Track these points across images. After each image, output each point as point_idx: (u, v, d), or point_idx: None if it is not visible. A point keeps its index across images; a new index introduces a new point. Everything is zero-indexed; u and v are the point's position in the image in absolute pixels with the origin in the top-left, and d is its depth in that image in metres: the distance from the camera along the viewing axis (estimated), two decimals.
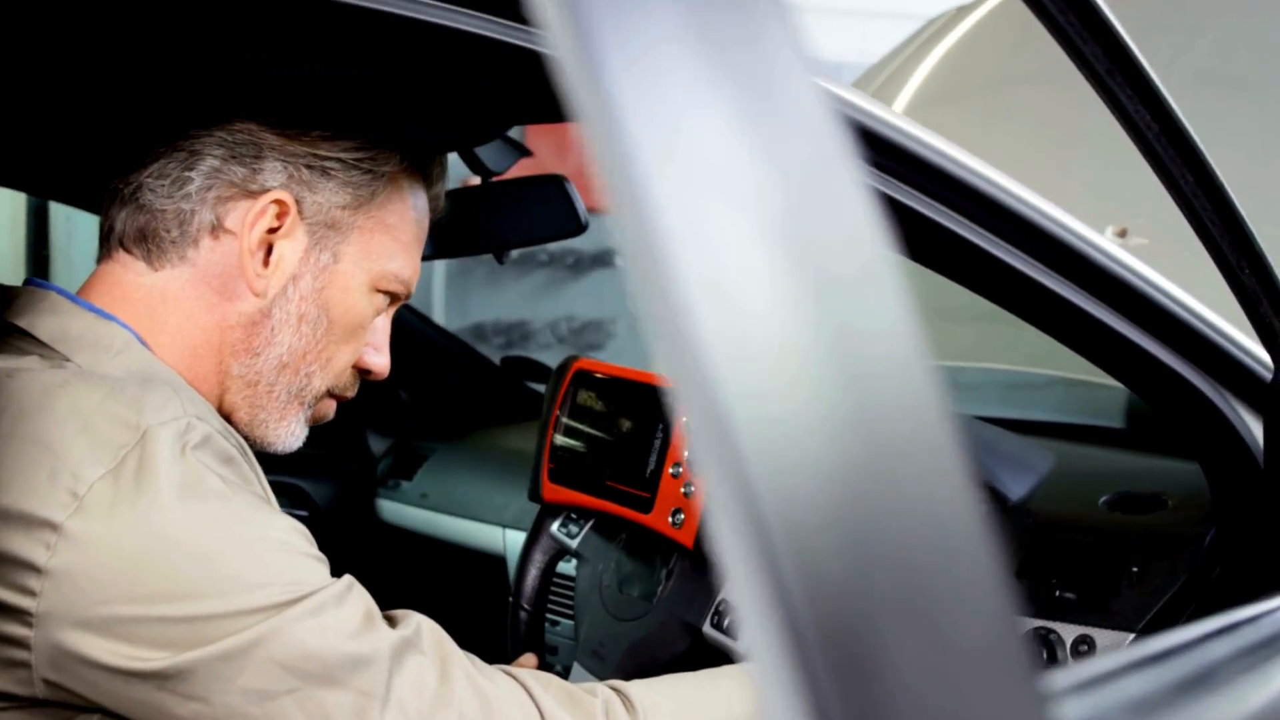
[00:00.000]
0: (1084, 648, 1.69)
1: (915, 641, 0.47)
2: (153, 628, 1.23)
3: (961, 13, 3.60)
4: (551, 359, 3.32)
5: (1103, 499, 1.89)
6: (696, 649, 1.79)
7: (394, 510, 3.01)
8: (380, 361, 1.59)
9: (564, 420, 1.96)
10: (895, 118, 1.44)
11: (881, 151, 1.41)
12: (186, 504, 1.26)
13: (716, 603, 1.77)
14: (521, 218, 2.15)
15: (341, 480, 3.04)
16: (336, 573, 1.34)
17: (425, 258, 1.64)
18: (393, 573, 2.75)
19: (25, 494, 1.26)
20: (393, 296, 1.57)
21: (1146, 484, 1.91)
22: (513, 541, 2.64)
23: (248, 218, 1.46)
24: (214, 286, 1.47)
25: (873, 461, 0.50)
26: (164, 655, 1.23)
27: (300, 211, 1.47)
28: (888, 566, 0.48)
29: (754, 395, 0.49)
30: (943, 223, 1.46)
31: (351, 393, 1.59)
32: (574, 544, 1.99)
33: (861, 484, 0.49)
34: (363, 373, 1.59)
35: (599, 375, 1.93)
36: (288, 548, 1.30)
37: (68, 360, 1.39)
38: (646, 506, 1.77)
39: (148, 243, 1.46)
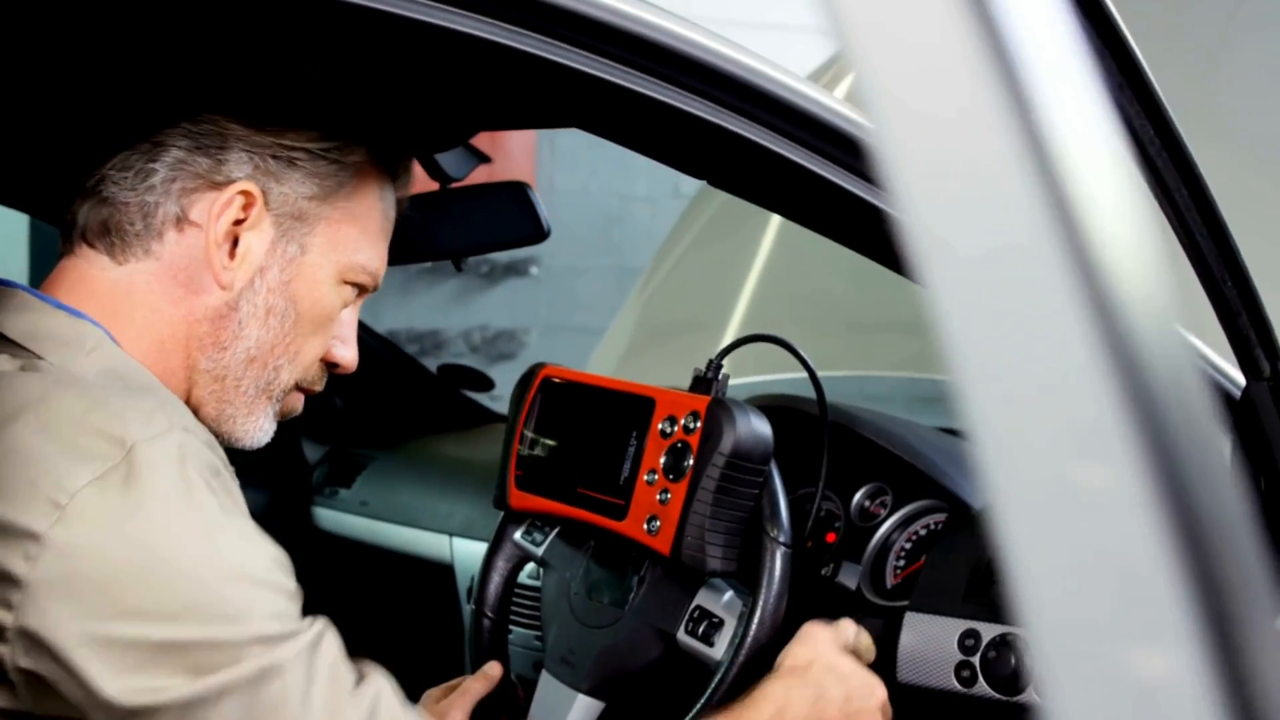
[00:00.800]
0: None
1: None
2: (136, 652, 1.20)
3: None
4: None
5: None
6: (670, 656, 1.79)
7: (332, 518, 2.99)
8: (348, 355, 1.57)
9: (531, 426, 1.95)
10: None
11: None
12: (175, 518, 1.23)
13: (691, 609, 1.78)
14: (482, 224, 2.15)
15: (275, 488, 3.01)
16: None
17: None
18: (335, 581, 2.73)
19: (4, 502, 1.22)
20: (360, 288, 1.55)
21: None
22: (460, 550, 2.63)
23: (213, 209, 1.43)
24: (179, 280, 1.44)
25: None
26: (150, 683, 1.20)
27: (266, 203, 1.45)
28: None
29: None
30: None
31: (319, 386, 1.57)
32: (539, 551, 1.98)
33: None
34: (330, 366, 1.57)
35: (568, 382, 1.92)
36: (270, 584, 1.28)
37: (39, 358, 1.36)
38: (620, 513, 1.77)
39: (111, 236, 1.43)
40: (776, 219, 3.35)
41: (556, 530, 1.97)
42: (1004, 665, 1.75)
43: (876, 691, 1.69)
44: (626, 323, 3.68)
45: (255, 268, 1.46)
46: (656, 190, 5.89)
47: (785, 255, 3.34)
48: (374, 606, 2.84)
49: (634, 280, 5.81)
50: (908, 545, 2.00)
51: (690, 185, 6.05)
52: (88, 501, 1.21)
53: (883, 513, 2.04)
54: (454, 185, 2.16)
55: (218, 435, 1.49)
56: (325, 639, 1.31)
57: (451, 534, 2.67)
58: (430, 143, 1.90)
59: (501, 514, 2.01)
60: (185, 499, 1.24)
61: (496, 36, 1.24)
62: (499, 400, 3.69)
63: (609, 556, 1.90)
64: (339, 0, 1.18)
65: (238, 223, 1.44)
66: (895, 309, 2.99)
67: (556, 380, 1.94)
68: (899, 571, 1.99)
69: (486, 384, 3.12)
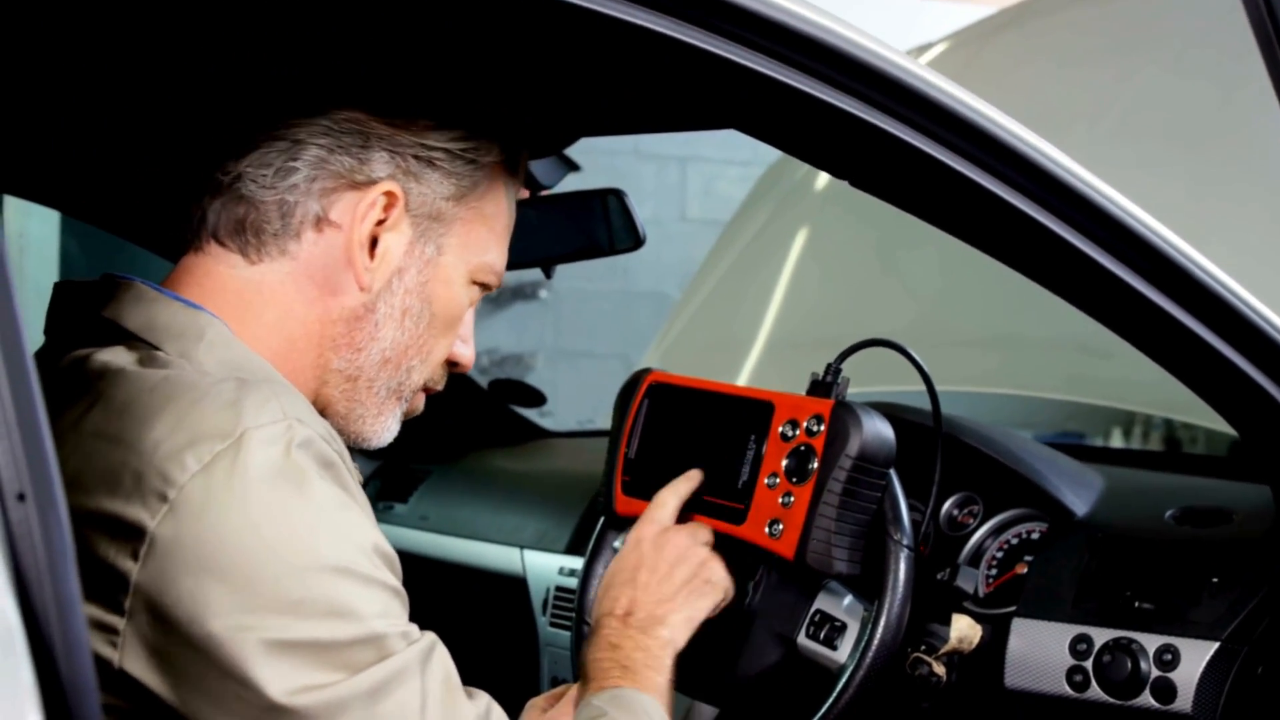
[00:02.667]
0: (1168, 657, 1.73)
1: None
2: (245, 652, 1.19)
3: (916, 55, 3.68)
4: None
5: (1168, 513, 1.93)
6: (789, 660, 1.79)
7: (389, 533, 2.92)
8: (469, 353, 1.58)
9: (639, 432, 1.93)
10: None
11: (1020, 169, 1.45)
12: (280, 509, 1.23)
13: (811, 613, 1.78)
14: (577, 231, 2.15)
15: None
16: None
17: None
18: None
19: (111, 496, 1.21)
20: (484, 287, 1.56)
21: (1206, 499, 1.96)
22: (533, 562, 2.62)
23: (357, 210, 1.42)
24: (316, 280, 1.43)
25: None
26: (263, 685, 1.19)
27: (406, 203, 1.45)
28: None
29: None
30: (1069, 239, 1.51)
31: (441, 386, 1.58)
32: None
33: None
34: (449, 365, 1.57)
35: (677, 386, 1.92)
36: (376, 581, 1.28)
37: (156, 349, 1.35)
38: (739, 518, 1.76)
39: (245, 235, 1.42)
40: (825, 236, 3.36)
41: None
42: (1119, 670, 1.75)
43: (698, 552, 1.74)
44: (657, 348, 3.68)
45: (394, 269, 1.45)
46: (663, 214, 5.89)
47: (851, 272, 3.36)
48: (441, 619, 2.80)
49: (641, 305, 5.81)
50: (999, 554, 2.01)
51: (698, 209, 6.07)
52: (194, 493, 1.20)
53: (972, 522, 2.05)
54: (544, 193, 2.16)
55: (344, 435, 1.48)
56: (437, 650, 1.31)
57: (523, 546, 2.65)
58: (553, 142, 1.89)
59: (600, 521, 2.00)
60: (293, 489, 1.23)
61: (663, 28, 1.24)
62: (547, 416, 3.69)
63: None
64: None
65: (378, 223, 1.44)
66: (967, 328, 3.02)
67: (665, 385, 1.93)
68: (991, 580, 1.99)
69: (538, 399, 3.11)
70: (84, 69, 1.63)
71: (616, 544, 1.99)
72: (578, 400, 5.40)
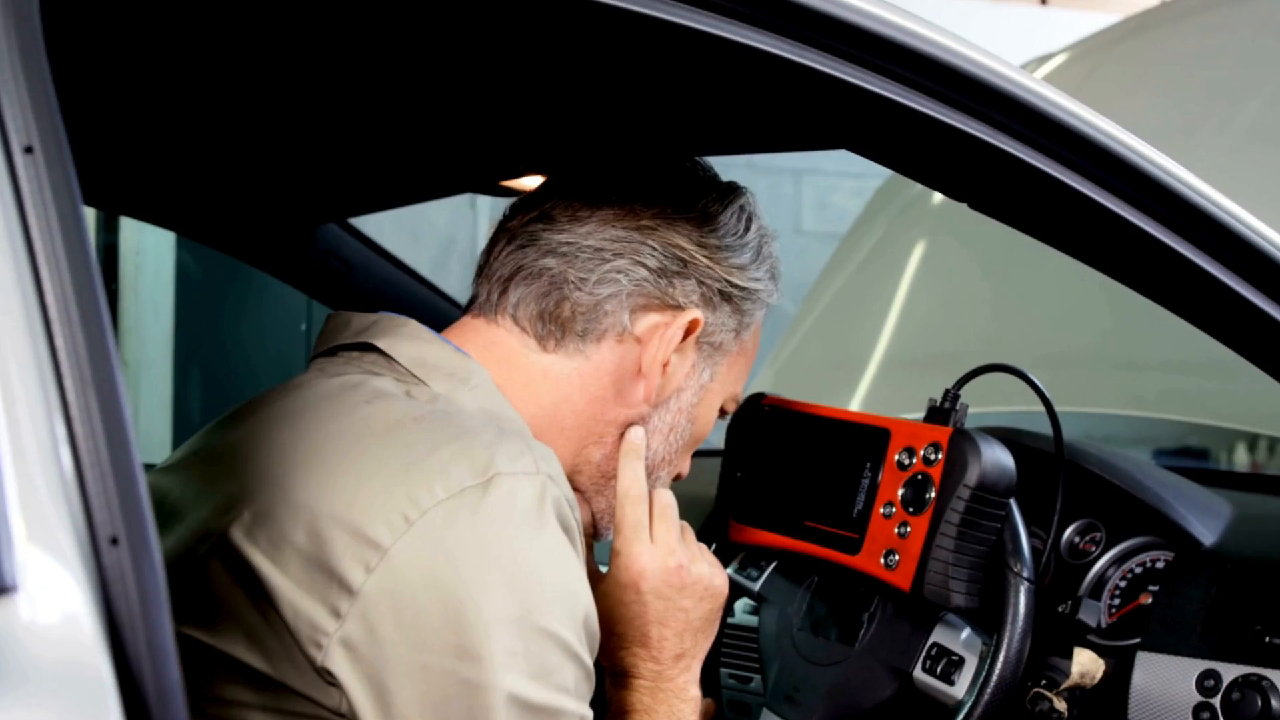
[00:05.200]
0: None
1: None
2: (442, 687, 1.19)
3: None
4: None
5: None
6: (904, 694, 1.74)
7: None
8: (688, 466, 1.62)
9: (751, 458, 1.90)
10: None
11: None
12: (516, 556, 1.22)
13: (928, 647, 1.73)
14: None
15: None
16: None
17: None
18: None
19: (354, 507, 1.22)
20: (724, 413, 1.62)
21: None
22: None
23: (665, 333, 1.48)
24: (603, 384, 1.48)
25: None
26: None
27: (701, 331, 1.50)
28: None
29: None
30: (1195, 259, 1.45)
31: None
32: (756, 586, 1.93)
33: None
34: None
35: (790, 411, 1.88)
36: (578, 657, 1.25)
37: (424, 384, 1.40)
38: (854, 547, 1.72)
39: (549, 325, 1.47)
40: (941, 253, 3.31)
41: (774, 565, 1.93)
42: (1249, 708, 1.68)
43: (715, 582, 1.56)
44: (772, 365, 3.64)
45: (674, 387, 1.51)
46: (778, 227, 5.80)
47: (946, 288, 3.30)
48: None
49: None
50: (1122, 584, 1.94)
51: (812, 222, 6.02)
52: (436, 519, 1.20)
53: (1094, 550, 1.99)
54: None
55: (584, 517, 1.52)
56: None
57: None
58: None
59: (711, 547, 1.97)
60: (531, 539, 1.23)
61: (779, 50, 1.22)
62: None
63: (834, 591, 1.85)
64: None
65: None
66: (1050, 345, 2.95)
67: (777, 410, 1.89)
68: (1114, 610, 1.93)
69: None
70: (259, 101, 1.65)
71: (729, 571, 1.96)
72: None
